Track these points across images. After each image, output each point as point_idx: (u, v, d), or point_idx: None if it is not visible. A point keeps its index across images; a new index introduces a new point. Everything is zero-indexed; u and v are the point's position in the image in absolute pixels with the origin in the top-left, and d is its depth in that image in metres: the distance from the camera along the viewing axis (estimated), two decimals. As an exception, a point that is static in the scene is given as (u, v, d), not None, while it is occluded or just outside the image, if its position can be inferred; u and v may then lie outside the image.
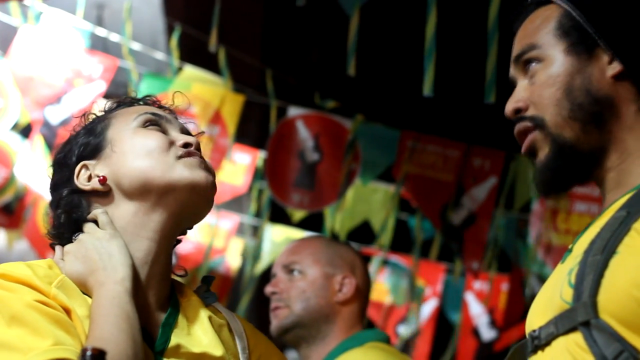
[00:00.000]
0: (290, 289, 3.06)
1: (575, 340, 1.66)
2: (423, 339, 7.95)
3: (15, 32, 6.09)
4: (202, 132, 2.21)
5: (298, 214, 7.24)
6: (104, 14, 7.31)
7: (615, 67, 1.81)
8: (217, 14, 5.55)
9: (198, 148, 2.00)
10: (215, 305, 2.07)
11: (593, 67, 1.83)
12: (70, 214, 1.96)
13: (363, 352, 2.93)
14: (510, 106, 1.90)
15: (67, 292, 1.81)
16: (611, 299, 1.61)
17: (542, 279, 6.27)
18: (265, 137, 6.71)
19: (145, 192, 1.92)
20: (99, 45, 6.60)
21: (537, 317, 1.78)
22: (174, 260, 2.01)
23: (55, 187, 2.03)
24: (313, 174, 6.54)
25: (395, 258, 7.94)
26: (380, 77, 8.71)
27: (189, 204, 1.95)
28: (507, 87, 1.98)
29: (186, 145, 1.97)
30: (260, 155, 6.88)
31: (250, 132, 7.47)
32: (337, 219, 7.07)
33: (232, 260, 7.67)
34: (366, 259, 6.68)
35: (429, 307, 7.98)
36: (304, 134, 6.58)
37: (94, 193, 1.96)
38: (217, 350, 1.92)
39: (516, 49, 1.93)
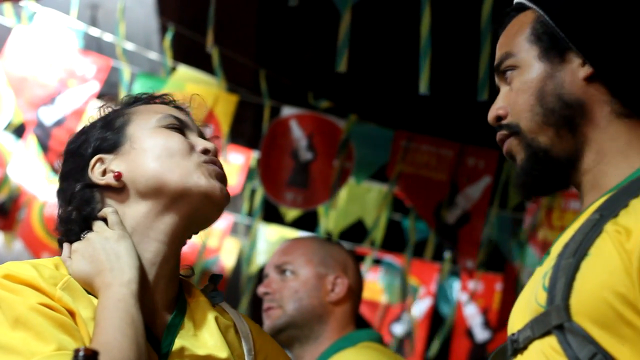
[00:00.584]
0: (283, 289, 3.06)
1: (550, 344, 1.66)
2: (417, 338, 7.95)
3: (8, 32, 6.08)
4: (217, 137, 2.21)
5: (291, 213, 7.24)
6: (97, 14, 7.30)
7: (586, 70, 1.82)
8: (212, 14, 5.55)
9: (216, 154, 2.00)
10: (222, 305, 2.07)
11: (565, 71, 1.83)
12: (81, 209, 1.95)
13: (356, 352, 2.93)
14: (491, 114, 1.92)
15: (72, 294, 1.80)
16: (583, 301, 1.62)
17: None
18: (259, 137, 6.71)
19: (159, 193, 1.91)
20: (92, 45, 6.60)
21: (516, 321, 1.79)
22: None
23: (66, 177, 2.01)
24: (306, 173, 6.54)
25: (390, 257, 7.94)
26: (373, 77, 8.72)
27: (201, 210, 1.95)
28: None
29: (205, 151, 1.97)
30: (254, 156, 6.88)
31: (244, 132, 7.47)
32: (331, 218, 7.07)
33: (226, 259, 7.66)
34: (360, 259, 6.70)
35: (423, 307, 7.98)
36: (298, 134, 6.58)
37: (107, 188, 1.95)
38: (222, 352, 1.92)
39: (496, 58, 1.95)
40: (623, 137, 1.81)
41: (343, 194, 6.96)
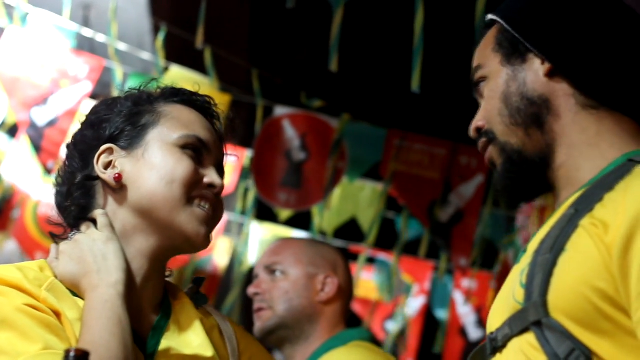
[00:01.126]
0: (273, 289, 3.06)
1: (528, 341, 1.67)
2: (410, 336, 7.95)
3: (1, 33, 6.07)
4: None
5: (285, 213, 7.25)
6: (90, 14, 7.29)
7: (546, 66, 1.85)
8: (203, 13, 5.55)
9: (220, 191, 1.99)
10: (205, 307, 2.08)
11: (527, 71, 1.87)
12: (80, 199, 1.96)
13: (346, 351, 2.93)
14: (471, 128, 1.96)
15: (57, 295, 1.81)
16: (561, 297, 1.63)
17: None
18: (252, 136, 6.71)
19: (147, 215, 1.92)
20: (85, 45, 6.59)
21: (494, 319, 1.80)
22: None
23: (75, 144, 2.01)
24: (300, 173, 6.54)
25: (383, 256, 7.94)
26: (366, 76, 8.72)
27: (179, 247, 1.96)
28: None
29: (210, 186, 1.96)
30: (247, 154, 6.88)
31: (237, 131, 7.47)
32: (324, 217, 7.07)
33: (219, 259, 7.66)
34: (353, 257, 6.70)
35: (416, 305, 7.98)
36: (291, 134, 6.58)
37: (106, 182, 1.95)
38: (208, 351, 1.93)
39: (471, 74, 1.98)
40: (592, 128, 1.83)
41: (336, 192, 6.96)
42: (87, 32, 6.41)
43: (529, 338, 1.66)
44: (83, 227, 1.94)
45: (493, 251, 7.28)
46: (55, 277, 1.87)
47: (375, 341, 3.09)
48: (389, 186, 6.56)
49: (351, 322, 3.16)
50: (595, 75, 1.84)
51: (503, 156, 1.89)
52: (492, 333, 1.78)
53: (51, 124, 6.10)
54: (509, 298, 1.75)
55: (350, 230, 7.29)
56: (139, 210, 1.91)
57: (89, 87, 6.16)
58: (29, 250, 6.85)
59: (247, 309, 6.99)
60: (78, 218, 1.96)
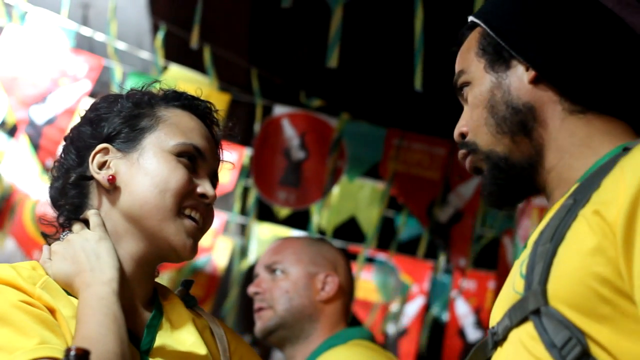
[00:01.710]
0: (273, 289, 3.06)
1: (527, 331, 1.66)
2: (409, 337, 7.96)
3: (0, 31, 6.07)
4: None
5: (284, 211, 7.25)
6: (89, 13, 7.29)
7: (531, 73, 1.84)
8: (199, 12, 5.55)
9: (212, 201, 1.98)
10: (195, 309, 2.08)
11: (511, 78, 1.86)
12: (75, 197, 1.96)
13: (346, 350, 2.93)
14: (455, 132, 1.95)
15: (51, 293, 1.81)
16: (561, 285, 1.62)
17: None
18: (251, 136, 6.72)
19: (136, 221, 1.91)
20: (84, 44, 6.59)
21: (496, 314, 1.80)
22: None
23: (72, 140, 2.01)
24: (299, 172, 6.55)
25: (383, 256, 7.95)
26: (365, 75, 8.72)
27: (165, 256, 1.96)
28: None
29: (202, 196, 1.95)
30: (247, 153, 6.88)
31: (236, 136, 7.46)
32: (324, 216, 7.08)
33: (219, 258, 7.66)
34: (352, 256, 6.70)
35: (415, 306, 7.98)
36: (290, 133, 6.59)
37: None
38: (202, 349, 1.93)
39: (454, 77, 1.97)
40: (582, 131, 1.82)
41: (335, 191, 6.97)
42: (86, 31, 6.41)
43: (528, 328, 1.66)
44: (75, 227, 1.94)
45: (492, 251, 7.28)
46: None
47: (375, 340, 3.09)
48: (390, 187, 6.56)
49: (351, 323, 3.15)
50: (580, 81, 1.83)
51: (489, 163, 1.87)
52: (492, 327, 1.79)
53: (50, 122, 6.11)
54: (509, 290, 1.75)
55: (349, 229, 7.29)
56: (129, 216, 1.91)
57: (88, 86, 6.17)
58: (27, 249, 6.85)
59: (247, 308, 6.99)
60: (71, 218, 1.96)
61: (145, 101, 2.01)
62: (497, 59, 1.88)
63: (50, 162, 6.13)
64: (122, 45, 6.49)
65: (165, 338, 1.90)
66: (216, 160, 2.05)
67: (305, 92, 6.68)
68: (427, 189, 6.44)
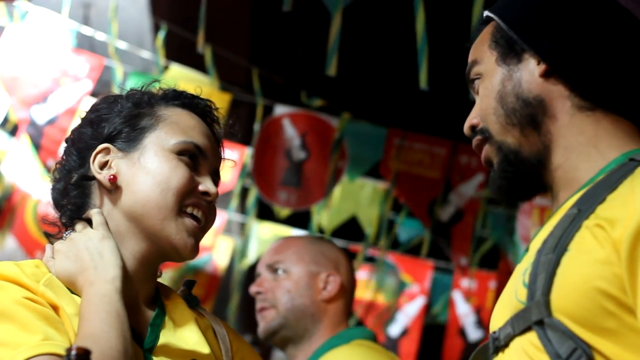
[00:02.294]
0: (275, 288, 3.05)
1: (530, 340, 1.66)
2: (410, 337, 7.95)
3: (1, 31, 6.07)
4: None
5: (285, 211, 7.25)
6: (90, 13, 7.29)
7: (542, 67, 1.85)
8: (203, 13, 5.55)
9: (214, 198, 1.98)
10: (197, 309, 2.09)
11: (523, 71, 1.86)
12: (77, 197, 1.96)
13: (349, 350, 2.92)
14: (466, 125, 1.95)
15: (54, 290, 1.81)
16: (563, 296, 1.62)
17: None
18: (252, 135, 6.72)
19: (138, 221, 1.92)
20: (85, 44, 6.60)
21: (497, 319, 1.80)
22: None
23: (74, 141, 2.01)
24: (300, 172, 6.55)
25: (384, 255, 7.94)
26: (366, 75, 8.72)
27: (167, 255, 1.96)
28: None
29: (204, 193, 1.96)
30: (247, 153, 6.88)
31: (237, 135, 7.46)
32: (324, 216, 7.08)
33: (219, 258, 7.66)
34: (353, 256, 6.70)
35: (416, 305, 7.98)
36: (291, 133, 6.59)
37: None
38: (205, 348, 1.94)
39: (467, 68, 1.97)
40: (589, 129, 1.82)
41: (336, 191, 6.97)
42: (87, 31, 6.41)
43: (531, 337, 1.66)
44: (78, 226, 1.94)
45: (493, 251, 7.28)
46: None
47: (377, 340, 3.09)
48: (393, 187, 6.56)
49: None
50: (591, 77, 1.83)
51: (499, 155, 1.88)
52: (494, 332, 1.78)
53: (51, 122, 6.11)
54: (511, 297, 1.74)
55: (350, 229, 7.29)
56: (131, 215, 1.92)
57: (89, 85, 6.17)
58: (29, 248, 6.85)
59: (247, 308, 6.99)
60: (73, 217, 1.96)
61: (145, 101, 2.02)
62: (509, 51, 1.88)
63: (51, 162, 6.13)
64: (123, 45, 6.49)
65: (168, 337, 1.91)
66: (217, 158, 2.06)
67: (306, 92, 6.68)
68: (428, 189, 6.45)
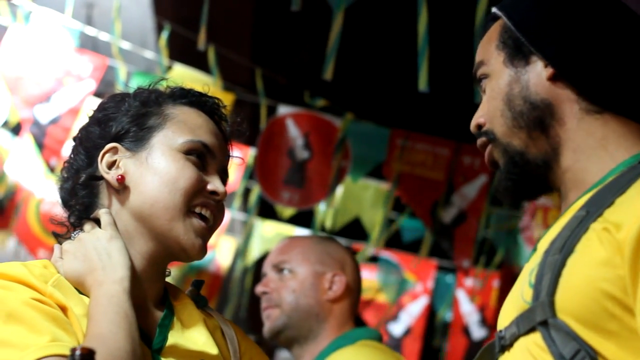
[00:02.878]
0: (281, 288, 3.05)
1: (534, 340, 1.67)
2: (413, 336, 7.95)
3: (4, 31, 6.08)
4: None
5: (288, 211, 7.25)
6: (93, 13, 7.30)
7: (549, 70, 1.84)
8: (205, 13, 5.55)
9: (223, 197, 1.97)
10: (206, 309, 2.08)
11: (530, 74, 1.86)
12: (85, 197, 1.96)
13: (355, 350, 2.92)
14: (472, 123, 1.95)
15: (62, 291, 1.81)
16: (568, 298, 1.63)
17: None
18: (255, 135, 6.72)
19: (146, 221, 1.92)
20: (88, 44, 6.60)
21: (504, 318, 1.80)
22: None
23: (81, 141, 2.01)
24: (303, 172, 6.55)
25: (387, 255, 7.94)
26: (369, 75, 8.72)
27: (175, 255, 1.96)
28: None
29: (213, 192, 1.95)
30: (251, 153, 6.88)
31: (245, 133, 7.46)
32: (328, 216, 7.08)
33: (222, 257, 7.66)
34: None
35: (419, 305, 7.98)
36: (294, 132, 6.59)
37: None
38: (213, 349, 1.93)
39: (474, 68, 1.97)
40: (598, 132, 1.82)
41: (340, 192, 6.97)
42: (91, 31, 6.42)
43: (536, 338, 1.66)
44: (86, 227, 1.94)
45: (496, 251, 7.28)
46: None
47: (382, 340, 3.08)
48: (395, 188, 6.56)
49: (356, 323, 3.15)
50: (598, 80, 1.83)
51: (505, 157, 1.88)
52: (500, 331, 1.79)
53: (54, 121, 6.12)
54: (518, 297, 1.75)
55: (354, 229, 7.29)
56: (139, 215, 1.91)
57: (92, 85, 6.18)
58: (31, 247, 6.86)
59: (251, 307, 6.99)
60: (81, 217, 1.96)
61: (152, 99, 2.01)
62: (517, 53, 1.88)
63: (54, 161, 6.14)
64: (126, 45, 6.50)
65: (177, 337, 1.90)
66: (225, 156, 2.05)
67: (309, 92, 6.68)
68: (431, 190, 6.44)
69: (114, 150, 1.95)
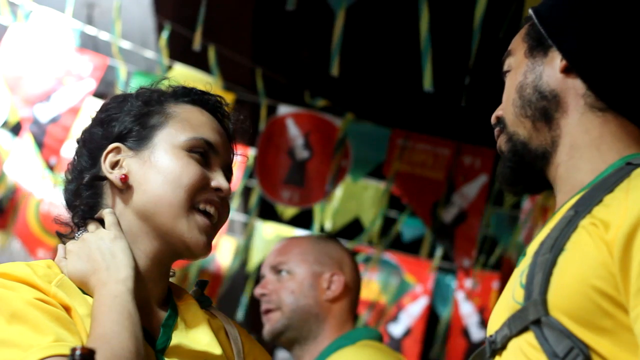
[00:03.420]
0: (280, 290, 3.05)
1: (527, 340, 1.68)
2: (413, 337, 7.95)
3: (4, 30, 6.08)
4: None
5: (288, 212, 7.25)
6: (93, 12, 7.30)
7: (562, 62, 1.88)
8: (202, 13, 5.54)
9: (227, 194, 1.98)
10: (209, 309, 2.08)
11: (546, 65, 1.90)
12: (89, 198, 1.96)
13: (355, 351, 2.92)
14: (493, 115, 1.99)
15: (66, 291, 1.81)
16: (560, 295, 1.64)
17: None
18: (256, 135, 6.72)
19: (150, 219, 1.92)
20: (88, 43, 6.60)
21: (494, 322, 1.81)
22: None
23: (84, 142, 2.01)
24: (303, 171, 6.55)
25: (387, 255, 7.94)
26: (370, 75, 8.72)
27: (180, 253, 1.96)
28: (499, 86, 2.02)
29: (217, 189, 1.95)
30: (251, 153, 6.88)
31: (248, 131, 7.46)
32: (328, 216, 7.08)
33: (222, 258, 7.66)
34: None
35: (419, 306, 7.97)
36: (294, 132, 6.59)
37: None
38: (217, 349, 1.94)
39: (503, 56, 2.01)
40: (595, 130, 1.85)
41: (339, 191, 6.97)
42: (91, 30, 6.42)
43: (529, 337, 1.67)
44: (90, 227, 1.94)
45: (496, 251, 7.28)
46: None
47: (382, 340, 3.08)
48: (391, 185, 6.56)
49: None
50: (608, 77, 1.85)
51: (509, 145, 1.92)
52: (491, 336, 1.79)
53: (54, 121, 6.12)
54: (508, 299, 1.76)
55: (353, 229, 7.29)
56: (143, 214, 1.91)
57: (92, 85, 6.17)
58: (31, 247, 6.86)
59: (251, 307, 6.99)
60: (85, 217, 1.96)
61: (154, 99, 2.02)
62: (537, 45, 1.92)
63: (54, 161, 6.14)
64: (126, 45, 6.50)
65: (180, 338, 1.91)
66: (229, 153, 2.05)
67: (309, 92, 6.68)
68: (431, 189, 6.44)
69: (117, 150, 1.95)
